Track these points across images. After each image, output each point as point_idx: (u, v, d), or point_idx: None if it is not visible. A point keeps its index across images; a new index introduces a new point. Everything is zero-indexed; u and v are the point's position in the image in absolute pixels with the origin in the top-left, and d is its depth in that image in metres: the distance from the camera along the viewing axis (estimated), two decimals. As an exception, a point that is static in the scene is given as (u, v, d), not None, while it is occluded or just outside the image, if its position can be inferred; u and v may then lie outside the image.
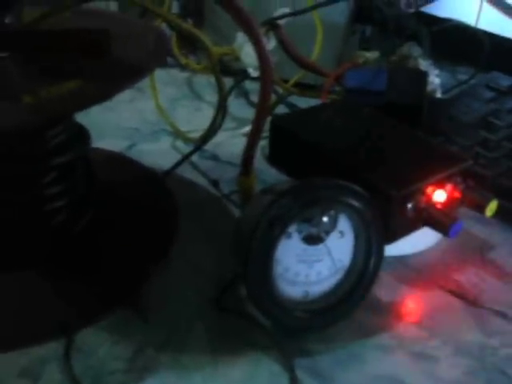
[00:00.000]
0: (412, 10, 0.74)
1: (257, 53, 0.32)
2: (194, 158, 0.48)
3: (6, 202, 0.33)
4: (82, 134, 0.36)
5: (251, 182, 0.38)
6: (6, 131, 0.26)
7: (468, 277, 0.38)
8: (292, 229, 0.30)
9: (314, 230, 0.30)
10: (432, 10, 0.74)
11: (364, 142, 0.40)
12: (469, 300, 0.36)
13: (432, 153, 0.39)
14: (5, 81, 0.29)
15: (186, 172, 0.47)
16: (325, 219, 0.30)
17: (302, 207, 0.29)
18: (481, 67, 0.68)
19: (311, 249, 0.31)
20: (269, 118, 0.40)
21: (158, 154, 0.49)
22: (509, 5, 0.66)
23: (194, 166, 0.48)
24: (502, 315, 0.35)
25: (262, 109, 0.35)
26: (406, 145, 0.40)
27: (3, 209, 0.33)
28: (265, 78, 0.33)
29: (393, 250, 0.35)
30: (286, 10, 0.53)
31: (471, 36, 0.69)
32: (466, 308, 0.35)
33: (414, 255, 0.39)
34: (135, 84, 0.29)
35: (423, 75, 0.48)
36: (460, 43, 0.70)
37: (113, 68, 0.30)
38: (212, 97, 0.56)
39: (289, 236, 0.30)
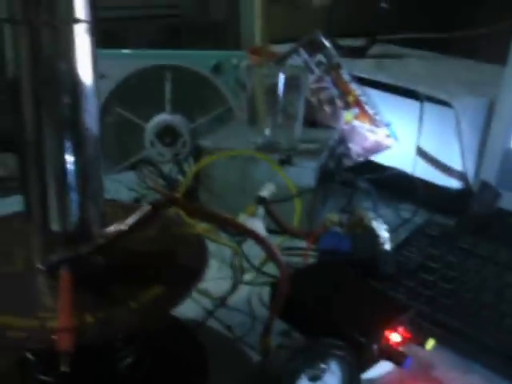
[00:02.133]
0: (361, 160, 0.94)
1: (275, 264, 0.47)
2: (208, 304, 0.64)
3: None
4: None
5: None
6: (121, 333, 0.41)
7: (419, 391, 0.54)
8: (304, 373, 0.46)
9: (316, 373, 0.46)
10: (378, 159, 0.94)
11: (337, 296, 0.57)
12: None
13: (387, 304, 0.56)
14: (109, 287, 0.45)
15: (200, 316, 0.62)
16: (323, 366, 0.46)
17: (311, 361, 0.45)
18: (419, 206, 0.87)
19: (314, 384, 0.47)
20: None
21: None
22: (437, 160, 0.86)
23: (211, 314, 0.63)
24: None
25: (275, 307, 0.49)
26: (368, 298, 0.57)
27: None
28: (281, 285, 0.48)
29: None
30: (271, 186, 0.71)
31: (409, 181, 0.89)
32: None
33: (378, 378, 0.55)
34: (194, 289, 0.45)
35: (375, 237, 0.66)
36: (401, 186, 0.89)
37: (178, 273, 0.47)
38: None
39: (301, 378, 0.46)
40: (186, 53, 1.48)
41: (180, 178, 0.91)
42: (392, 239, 0.73)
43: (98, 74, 0.44)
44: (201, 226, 0.59)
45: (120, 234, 0.43)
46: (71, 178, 0.44)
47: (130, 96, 1.29)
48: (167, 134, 1.47)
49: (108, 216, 0.48)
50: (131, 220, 0.43)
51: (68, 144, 0.43)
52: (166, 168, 0.96)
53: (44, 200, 0.45)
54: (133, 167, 1.05)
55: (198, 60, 1.42)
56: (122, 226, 0.43)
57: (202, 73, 1.42)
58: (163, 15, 2.22)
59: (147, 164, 0.99)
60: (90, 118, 0.44)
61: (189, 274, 0.46)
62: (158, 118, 1.44)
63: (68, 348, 0.36)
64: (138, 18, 2.09)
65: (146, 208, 0.43)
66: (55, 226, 0.45)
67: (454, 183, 0.86)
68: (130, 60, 1.32)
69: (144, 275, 0.46)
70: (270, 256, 0.45)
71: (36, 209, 0.45)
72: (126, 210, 0.56)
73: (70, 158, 0.44)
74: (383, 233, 0.69)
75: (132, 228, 0.43)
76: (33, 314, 0.41)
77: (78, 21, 0.40)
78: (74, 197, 0.45)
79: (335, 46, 0.97)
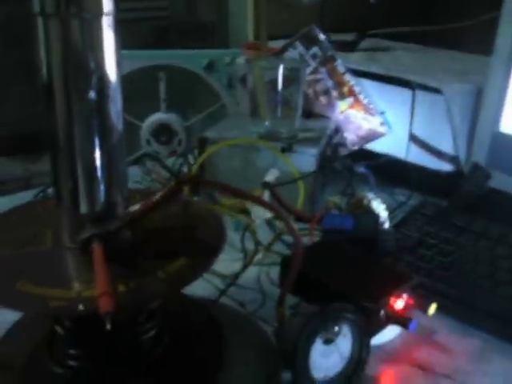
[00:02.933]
0: (356, 148, 0.98)
1: (290, 234, 0.51)
2: (219, 284, 0.68)
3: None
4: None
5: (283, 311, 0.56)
6: (152, 300, 0.44)
7: (423, 354, 0.58)
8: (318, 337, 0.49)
9: (329, 335, 0.50)
10: (373, 147, 0.98)
11: (344, 270, 0.61)
12: (426, 369, 0.56)
13: (390, 274, 0.60)
14: (137, 260, 0.48)
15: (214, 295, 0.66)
16: (336, 328, 0.50)
17: (324, 324, 0.49)
18: (413, 190, 0.91)
19: (327, 347, 0.50)
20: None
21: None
22: (430, 145, 0.90)
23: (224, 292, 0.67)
24: (449, 378, 0.55)
25: (291, 277, 0.52)
26: (371, 270, 0.61)
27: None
28: (295, 257, 0.51)
29: (373, 341, 0.55)
30: (276, 171, 0.74)
31: (403, 166, 0.93)
32: (424, 374, 0.55)
33: (387, 343, 0.59)
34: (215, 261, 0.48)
35: (376, 216, 0.70)
36: (395, 172, 0.93)
37: (199, 247, 0.50)
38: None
39: (315, 342, 0.49)
40: (178, 52, 1.51)
41: (185, 169, 0.94)
42: (389, 220, 0.77)
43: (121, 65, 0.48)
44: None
45: (147, 210, 0.47)
46: (98, 164, 0.48)
47: (124, 96, 1.33)
48: (163, 133, 1.50)
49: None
50: (157, 196, 0.46)
51: (95, 131, 0.47)
52: (169, 162, 1.00)
53: (73, 184, 0.48)
54: (135, 162, 1.08)
55: (191, 59, 1.46)
56: (149, 202, 0.46)
57: (195, 71, 1.46)
58: (152, 17, 2.25)
59: (150, 158, 1.02)
60: (115, 107, 0.47)
61: (209, 247, 0.50)
62: (154, 117, 1.47)
63: (109, 309, 0.39)
64: (128, 21, 2.13)
65: (170, 185, 0.46)
66: (84, 209, 0.49)
67: (446, 166, 0.90)
68: (124, 61, 1.35)
69: (169, 249, 0.49)
70: (288, 228, 0.49)
71: (66, 192, 0.49)
72: (144, 195, 0.59)
73: (97, 145, 0.47)
74: (382, 212, 0.73)
75: (158, 203, 0.46)
76: (69, 286, 0.45)
77: (105, 14, 0.44)
78: (101, 181, 0.48)
79: (328, 40, 1.01)
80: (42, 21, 0.44)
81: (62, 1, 0.43)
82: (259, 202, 0.50)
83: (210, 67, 1.45)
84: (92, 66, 0.45)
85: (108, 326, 0.38)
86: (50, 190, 0.89)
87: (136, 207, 0.48)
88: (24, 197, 0.91)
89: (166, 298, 0.47)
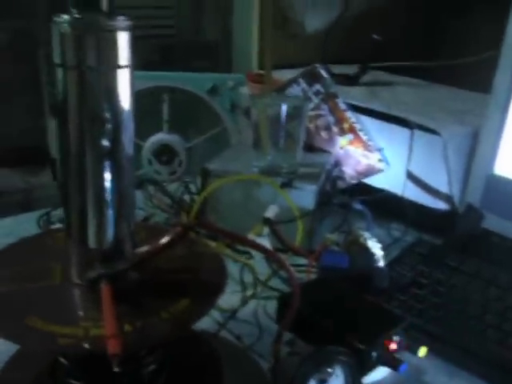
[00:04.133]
0: (354, 182, 1.00)
1: (288, 277, 0.53)
2: (218, 316, 0.70)
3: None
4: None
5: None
6: (155, 344, 0.47)
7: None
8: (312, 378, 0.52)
9: (323, 376, 0.52)
10: (371, 182, 1.01)
11: (339, 308, 0.63)
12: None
13: (384, 315, 0.62)
14: (143, 300, 0.51)
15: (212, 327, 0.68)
16: (329, 370, 0.52)
17: (319, 366, 0.51)
18: (408, 226, 0.94)
19: (321, 387, 0.53)
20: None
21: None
22: (426, 183, 0.93)
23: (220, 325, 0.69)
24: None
25: (288, 317, 0.53)
26: (365, 310, 0.63)
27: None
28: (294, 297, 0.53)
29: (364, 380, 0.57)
30: (275, 207, 0.77)
31: (399, 203, 0.95)
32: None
33: (377, 382, 0.61)
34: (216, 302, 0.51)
35: (371, 255, 0.72)
36: (391, 207, 0.96)
37: (202, 287, 0.53)
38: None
39: (310, 381, 0.52)
40: (183, 75, 1.54)
41: (186, 197, 0.97)
42: (384, 257, 0.80)
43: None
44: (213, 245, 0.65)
45: (154, 253, 0.49)
46: (109, 201, 0.50)
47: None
48: (164, 153, 1.53)
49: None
50: (164, 240, 0.49)
51: (107, 171, 0.49)
52: (171, 187, 1.02)
53: (83, 221, 0.50)
54: (138, 186, 1.10)
55: (195, 82, 1.48)
56: (156, 245, 0.49)
57: (199, 94, 1.48)
58: (158, 35, 2.28)
59: (152, 183, 1.05)
60: (128, 147, 0.50)
61: (211, 288, 0.52)
62: (156, 137, 1.50)
63: (117, 352, 0.42)
64: (134, 38, 2.16)
65: (177, 229, 0.49)
66: (92, 244, 0.51)
67: (441, 205, 0.92)
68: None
69: (173, 289, 0.52)
70: (286, 272, 0.51)
71: (76, 228, 0.51)
72: (148, 230, 0.62)
73: (108, 183, 0.49)
74: (377, 251, 0.75)
75: (164, 247, 0.48)
76: (77, 324, 0.47)
77: (121, 67, 0.46)
78: (110, 219, 0.51)
79: (330, 73, 1.04)
80: (62, 71, 0.46)
81: (81, 55, 0.45)
82: (260, 249, 0.52)
83: (214, 91, 1.48)
84: (107, 116, 0.47)
85: (115, 368, 0.41)
86: (54, 213, 0.91)
87: (143, 249, 0.50)
88: (27, 219, 0.93)
89: (170, 338, 0.49)
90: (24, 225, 0.89)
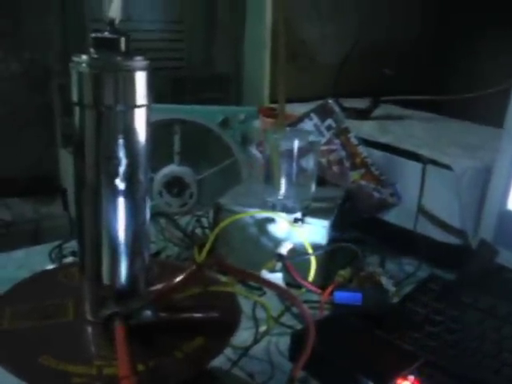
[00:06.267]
0: (367, 216, 1.00)
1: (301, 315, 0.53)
2: (230, 354, 0.69)
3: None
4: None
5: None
6: (170, 381, 0.46)
7: None
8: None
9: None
10: (382, 216, 1.00)
11: (352, 346, 0.63)
12: None
13: (398, 353, 0.62)
14: (156, 339, 0.50)
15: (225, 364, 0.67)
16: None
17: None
18: (421, 261, 0.93)
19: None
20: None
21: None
22: (438, 218, 0.92)
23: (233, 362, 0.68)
24: None
25: (304, 356, 0.52)
26: (379, 347, 0.63)
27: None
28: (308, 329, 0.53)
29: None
30: (289, 244, 0.77)
31: (412, 237, 0.95)
32: None
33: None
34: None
35: (384, 292, 0.72)
36: (404, 242, 0.95)
37: (219, 325, 0.52)
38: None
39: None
40: (194, 108, 1.55)
41: (198, 230, 0.97)
42: (397, 292, 0.79)
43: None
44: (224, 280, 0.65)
45: (168, 291, 0.49)
46: (123, 239, 0.50)
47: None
48: (175, 185, 1.53)
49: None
50: (178, 278, 0.49)
51: (122, 208, 0.49)
52: (183, 221, 1.02)
53: (98, 258, 0.51)
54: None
55: (207, 114, 1.50)
56: (170, 283, 0.49)
57: (210, 127, 1.50)
58: (169, 67, 2.31)
59: (163, 216, 1.05)
60: (143, 185, 0.50)
61: (225, 326, 0.52)
62: (167, 169, 1.51)
63: (131, 393, 0.41)
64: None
65: (191, 268, 0.48)
66: (106, 280, 0.51)
67: (454, 240, 0.92)
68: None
69: (187, 328, 0.51)
70: (299, 309, 0.51)
71: (90, 265, 0.51)
72: (162, 266, 0.62)
73: (123, 223, 0.50)
74: (391, 288, 0.75)
75: (179, 285, 0.48)
76: (90, 362, 0.47)
77: (139, 106, 0.47)
78: (124, 256, 0.51)
79: (341, 107, 1.04)
80: (79, 110, 0.47)
81: (98, 94, 0.46)
82: (272, 287, 0.52)
83: (225, 123, 1.49)
84: (122, 154, 0.47)
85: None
86: (65, 246, 0.91)
87: (158, 287, 0.50)
88: (38, 252, 0.93)
89: (184, 378, 0.48)
90: (36, 257, 0.89)
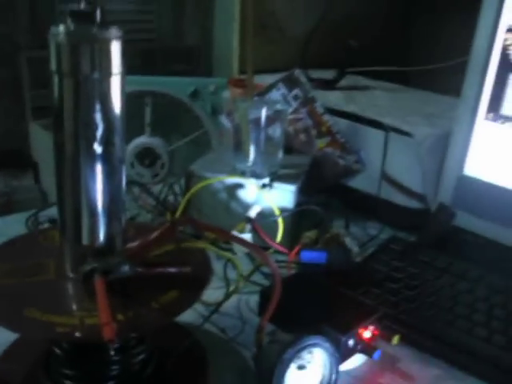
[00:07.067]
0: (334, 182, 1.04)
1: (271, 272, 0.57)
2: (203, 311, 0.73)
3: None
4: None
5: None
6: (149, 331, 0.50)
7: (387, 380, 0.64)
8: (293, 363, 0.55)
9: (302, 362, 0.56)
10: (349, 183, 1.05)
11: (317, 301, 0.67)
12: (388, 394, 0.62)
13: (359, 307, 0.66)
14: (133, 292, 0.54)
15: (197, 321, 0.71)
16: (309, 356, 0.56)
17: (299, 353, 0.55)
18: (384, 224, 0.98)
19: (300, 373, 0.56)
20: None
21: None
22: (400, 183, 0.97)
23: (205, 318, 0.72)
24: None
25: (267, 314, 0.57)
26: (342, 302, 0.67)
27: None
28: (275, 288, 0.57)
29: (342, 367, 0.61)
30: (257, 207, 0.81)
31: (375, 202, 1.00)
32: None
33: (354, 369, 0.65)
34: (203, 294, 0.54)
35: (348, 251, 0.77)
36: (368, 207, 1.00)
37: (191, 280, 0.56)
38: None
39: (290, 368, 0.55)
40: (165, 79, 1.57)
41: (171, 198, 1.00)
42: (361, 253, 0.84)
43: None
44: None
45: (144, 247, 0.52)
46: (100, 202, 0.53)
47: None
48: (146, 156, 1.56)
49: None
50: (153, 235, 0.52)
51: (100, 172, 0.52)
52: (155, 189, 1.05)
53: (77, 219, 0.54)
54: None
55: (177, 86, 1.52)
56: (146, 240, 0.52)
57: (181, 98, 1.52)
58: (139, 39, 2.32)
59: (137, 185, 1.08)
60: (120, 149, 0.53)
61: (197, 280, 0.56)
62: (138, 141, 1.53)
63: (112, 337, 0.45)
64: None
65: (165, 225, 0.52)
66: (85, 241, 0.54)
67: (415, 204, 0.97)
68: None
69: (161, 282, 0.55)
70: (269, 266, 0.55)
71: (69, 226, 0.54)
72: (137, 228, 0.65)
73: (100, 184, 0.53)
74: (355, 248, 0.79)
75: (153, 242, 0.52)
76: (72, 314, 0.50)
77: (114, 74, 0.50)
78: (102, 217, 0.54)
79: (308, 78, 1.08)
80: (57, 78, 0.50)
81: (75, 64, 0.48)
82: (243, 243, 0.56)
83: (195, 95, 1.51)
84: (99, 120, 0.50)
85: (112, 352, 0.44)
86: (41, 214, 0.94)
87: (134, 244, 0.53)
88: (14, 220, 0.96)
89: (160, 326, 0.52)
90: (12, 226, 0.92)
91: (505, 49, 0.83)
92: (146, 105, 1.54)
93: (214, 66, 1.94)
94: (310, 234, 0.81)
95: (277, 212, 0.82)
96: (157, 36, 2.42)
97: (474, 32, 0.87)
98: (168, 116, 1.57)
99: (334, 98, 1.13)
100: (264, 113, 0.86)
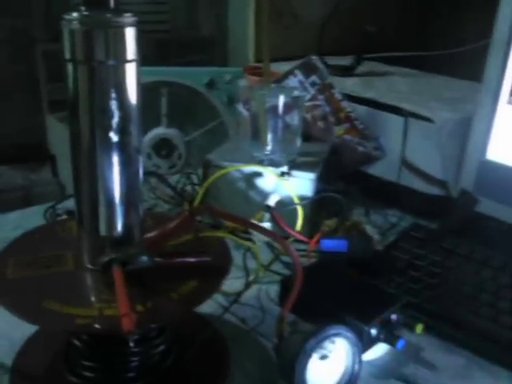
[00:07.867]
0: (351, 171, 1.03)
1: (292, 260, 0.56)
2: (223, 301, 0.72)
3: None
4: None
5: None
6: (168, 322, 0.49)
7: (410, 369, 0.63)
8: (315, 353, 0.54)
9: (324, 352, 0.55)
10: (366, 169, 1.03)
11: (339, 290, 0.66)
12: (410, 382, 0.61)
13: (381, 295, 0.65)
14: (152, 282, 0.53)
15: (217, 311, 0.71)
16: (331, 346, 0.55)
17: (321, 343, 0.54)
18: (404, 212, 0.96)
19: (323, 363, 0.55)
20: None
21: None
22: (421, 170, 0.95)
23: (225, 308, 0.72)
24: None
25: (292, 296, 0.56)
26: (365, 291, 0.66)
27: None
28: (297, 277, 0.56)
29: (364, 357, 0.60)
30: (276, 196, 0.80)
31: (395, 189, 0.98)
32: (411, 389, 0.61)
33: (377, 359, 0.64)
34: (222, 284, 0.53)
35: (369, 239, 0.75)
36: (388, 194, 0.99)
37: (211, 270, 0.55)
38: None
39: (312, 358, 0.54)
40: (180, 69, 1.57)
41: (188, 188, 0.99)
42: (382, 241, 0.83)
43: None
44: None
45: (162, 237, 0.51)
46: (118, 191, 0.53)
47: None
48: (163, 147, 1.56)
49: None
50: (172, 225, 0.51)
51: (116, 162, 0.52)
52: (173, 179, 1.05)
53: (94, 209, 0.53)
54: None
55: (193, 76, 1.51)
56: (164, 230, 0.51)
57: (197, 88, 1.51)
58: (153, 31, 2.31)
59: (154, 175, 1.07)
60: (136, 138, 0.52)
61: (217, 270, 0.55)
62: (155, 132, 1.52)
63: (131, 329, 0.44)
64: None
65: (184, 214, 0.51)
66: (103, 231, 0.54)
67: (435, 191, 0.95)
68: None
69: (181, 272, 0.54)
70: (290, 255, 0.54)
71: (87, 217, 0.54)
72: (155, 218, 0.65)
73: (117, 174, 0.52)
74: (375, 236, 0.78)
75: (172, 231, 0.51)
76: (92, 305, 0.50)
77: (129, 61, 0.49)
78: (120, 207, 0.53)
79: (326, 65, 1.06)
80: (72, 66, 0.49)
81: (90, 50, 0.48)
82: (263, 231, 0.55)
83: (211, 85, 1.51)
84: (115, 107, 0.50)
85: (131, 343, 0.43)
86: (59, 206, 0.94)
87: (152, 234, 0.53)
88: (33, 213, 0.96)
89: (179, 317, 0.52)
90: (31, 218, 0.92)
91: (527, 30, 0.81)
92: (161, 96, 1.54)
93: (230, 55, 1.93)
94: (330, 223, 0.80)
95: (296, 200, 0.81)
96: (171, 27, 2.41)
97: (494, 15, 0.85)
98: (184, 107, 1.56)
99: (351, 85, 1.11)
100: (281, 100, 0.85)
